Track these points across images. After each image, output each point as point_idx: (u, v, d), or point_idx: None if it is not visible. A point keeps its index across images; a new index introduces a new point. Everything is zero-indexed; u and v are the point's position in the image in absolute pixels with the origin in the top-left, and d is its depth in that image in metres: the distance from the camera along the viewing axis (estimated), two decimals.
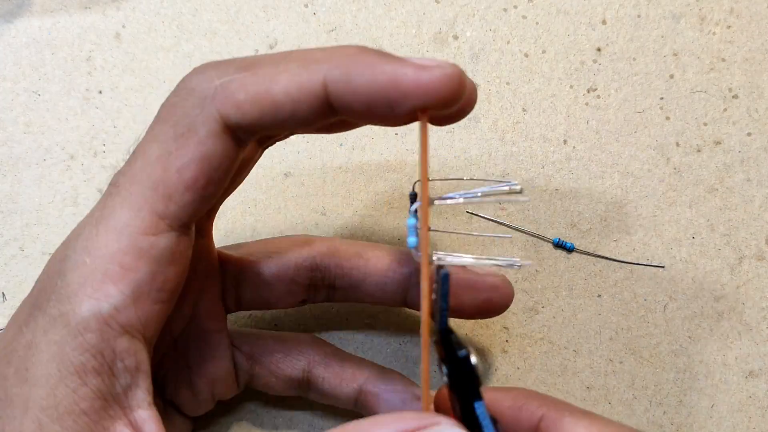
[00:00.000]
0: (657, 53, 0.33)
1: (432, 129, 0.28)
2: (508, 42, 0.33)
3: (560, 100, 0.33)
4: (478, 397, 0.20)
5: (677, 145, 0.32)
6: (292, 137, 0.27)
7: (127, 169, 0.21)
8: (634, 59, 0.33)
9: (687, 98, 0.33)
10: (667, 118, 0.32)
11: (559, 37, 0.33)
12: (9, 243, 0.32)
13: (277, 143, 0.25)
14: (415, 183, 0.24)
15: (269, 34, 0.33)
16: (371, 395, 0.27)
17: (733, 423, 0.30)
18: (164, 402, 0.26)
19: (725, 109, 0.32)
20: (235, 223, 0.32)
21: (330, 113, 0.20)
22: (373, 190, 0.32)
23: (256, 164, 0.25)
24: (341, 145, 0.32)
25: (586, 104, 0.33)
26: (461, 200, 0.22)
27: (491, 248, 0.32)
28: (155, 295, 0.20)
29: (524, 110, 0.33)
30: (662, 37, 0.33)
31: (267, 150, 0.25)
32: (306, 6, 0.33)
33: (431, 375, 0.21)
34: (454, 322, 0.31)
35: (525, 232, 0.32)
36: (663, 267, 0.31)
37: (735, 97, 0.33)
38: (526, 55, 0.33)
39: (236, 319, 0.31)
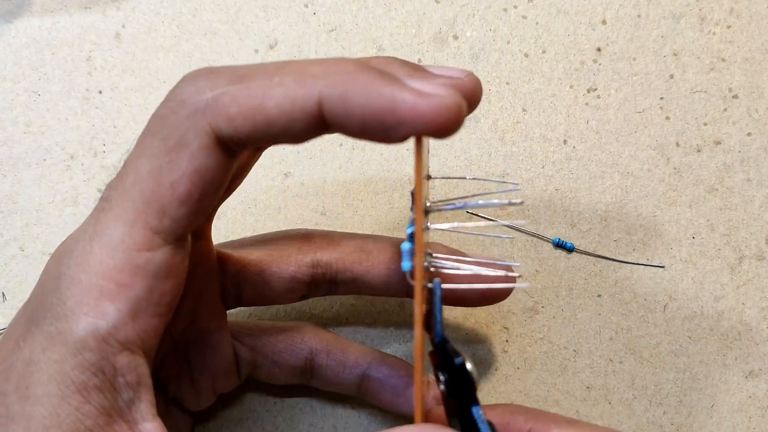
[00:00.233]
0: (657, 53, 0.33)
1: None
2: (508, 42, 0.33)
3: (560, 100, 0.33)
4: (476, 402, 0.20)
5: (677, 145, 0.32)
6: None
7: (118, 183, 0.20)
8: (634, 59, 0.33)
9: (687, 98, 0.33)
10: (667, 118, 0.32)
11: (559, 37, 0.33)
12: (9, 243, 0.32)
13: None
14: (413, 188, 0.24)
15: (269, 34, 0.33)
16: (374, 381, 0.27)
17: (733, 423, 0.30)
18: (166, 401, 0.26)
19: (725, 109, 0.32)
20: (235, 223, 0.32)
21: (323, 129, 0.19)
22: (373, 190, 0.32)
23: (256, 164, 0.25)
24: (341, 145, 0.32)
25: (586, 104, 0.33)
26: (458, 205, 0.22)
27: (491, 248, 0.32)
28: (153, 309, 0.20)
29: (524, 110, 0.33)
30: (662, 37, 0.33)
31: (267, 150, 0.25)
32: (306, 6, 0.33)
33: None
34: (454, 321, 0.31)
35: (525, 232, 0.32)
36: (663, 267, 0.31)
37: (735, 97, 0.33)
38: (526, 55, 0.33)
39: (237, 313, 0.31)
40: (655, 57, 0.33)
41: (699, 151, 0.32)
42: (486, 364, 0.31)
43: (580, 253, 0.32)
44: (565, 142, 0.32)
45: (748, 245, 0.32)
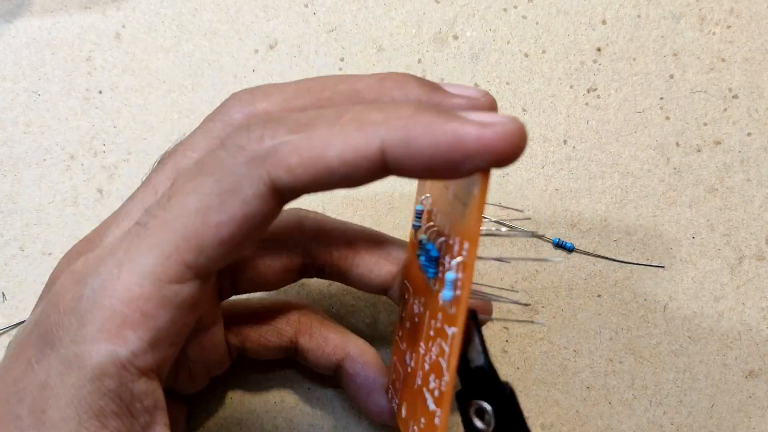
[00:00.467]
0: (657, 53, 0.33)
1: None
2: (508, 42, 0.33)
3: (560, 100, 0.33)
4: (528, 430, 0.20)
5: (677, 145, 0.32)
6: None
7: (159, 212, 0.20)
8: (634, 59, 0.33)
9: (687, 98, 0.33)
10: (667, 118, 0.32)
11: (559, 37, 0.33)
12: (9, 243, 0.32)
13: None
14: (422, 198, 0.24)
15: (269, 34, 0.33)
16: (346, 375, 0.28)
17: (733, 423, 0.30)
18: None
19: (725, 109, 0.32)
20: None
21: (384, 173, 0.19)
22: (373, 190, 0.32)
23: None
24: None
25: (586, 104, 0.33)
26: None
27: (491, 248, 0.32)
28: (173, 339, 0.20)
29: (524, 110, 0.33)
30: (662, 37, 0.33)
31: None
32: (306, 6, 0.33)
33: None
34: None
35: (525, 232, 0.32)
36: (663, 267, 0.31)
37: (735, 97, 0.33)
38: (526, 55, 0.33)
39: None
40: (655, 57, 0.33)
41: (699, 151, 0.32)
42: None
43: (580, 253, 0.32)
44: (565, 142, 0.32)
45: (748, 245, 0.32)
